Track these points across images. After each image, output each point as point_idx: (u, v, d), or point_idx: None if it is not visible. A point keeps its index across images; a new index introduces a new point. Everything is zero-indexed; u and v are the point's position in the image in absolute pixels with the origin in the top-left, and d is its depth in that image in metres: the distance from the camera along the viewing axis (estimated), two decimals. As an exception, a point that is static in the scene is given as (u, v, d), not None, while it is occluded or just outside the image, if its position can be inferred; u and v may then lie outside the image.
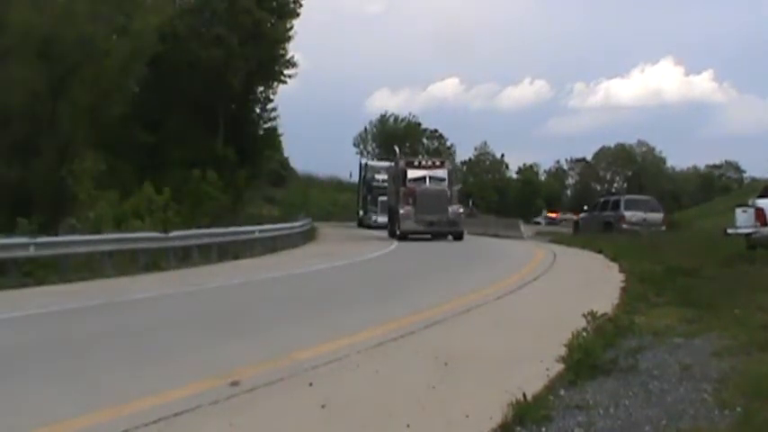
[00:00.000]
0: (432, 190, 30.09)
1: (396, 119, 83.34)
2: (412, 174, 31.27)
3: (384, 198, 38.54)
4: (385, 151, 69.29)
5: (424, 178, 30.83)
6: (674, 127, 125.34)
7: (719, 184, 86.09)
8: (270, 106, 40.65)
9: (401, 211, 29.52)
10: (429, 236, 29.49)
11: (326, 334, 7.51)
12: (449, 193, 30.57)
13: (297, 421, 4.48)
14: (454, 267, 17.04)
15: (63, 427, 4.34)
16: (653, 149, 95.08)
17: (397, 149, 37.67)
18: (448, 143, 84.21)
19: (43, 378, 5.86)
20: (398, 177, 31.70)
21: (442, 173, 31.46)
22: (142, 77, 30.46)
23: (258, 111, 40.50)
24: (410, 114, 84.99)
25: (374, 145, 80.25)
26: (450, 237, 29.50)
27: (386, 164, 42.79)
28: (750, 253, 14.15)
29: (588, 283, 12.46)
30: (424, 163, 32.90)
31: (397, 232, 29.70)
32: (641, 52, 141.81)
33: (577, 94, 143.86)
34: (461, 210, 31.12)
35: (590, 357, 5.40)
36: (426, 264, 18.56)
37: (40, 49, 23.40)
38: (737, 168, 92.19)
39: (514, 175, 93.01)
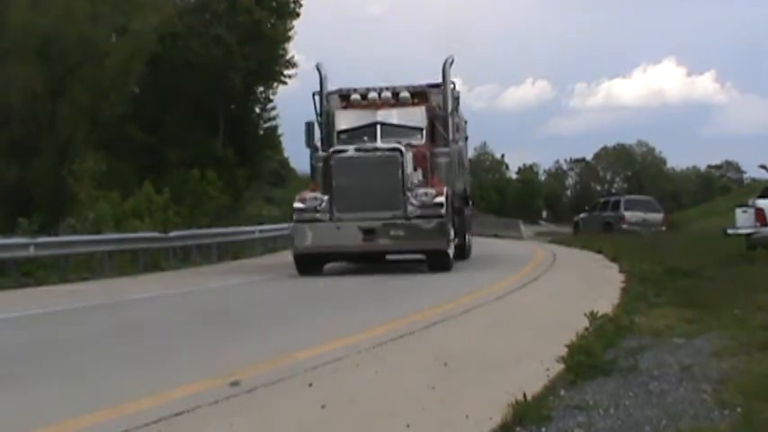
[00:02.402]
0: (369, 155, 14.87)
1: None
2: (347, 119, 16.29)
3: None
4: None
5: (372, 127, 15.78)
6: (676, 127, 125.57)
7: (719, 185, 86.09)
8: (270, 106, 40.69)
9: (296, 206, 15.07)
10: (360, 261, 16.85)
11: (326, 334, 7.51)
12: (418, 159, 15.30)
13: (297, 421, 4.48)
14: (453, 267, 17.00)
15: (63, 427, 4.34)
16: (653, 150, 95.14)
17: (318, 69, 17.15)
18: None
19: (43, 378, 5.86)
20: (321, 129, 16.66)
21: (413, 116, 16.07)
22: (142, 77, 30.44)
23: (258, 111, 40.53)
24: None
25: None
26: (421, 261, 15.57)
27: None
28: (750, 253, 14.16)
29: (588, 284, 12.45)
30: (373, 97, 16.47)
31: (291, 252, 15.53)
32: (643, 52, 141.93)
33: (578, 94, 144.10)
34: (441, 199, 14.71)
35: (590, 358, 5.39)
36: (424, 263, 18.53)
37: (39, 49, 23.39)
38: (737, 169, 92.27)
39: (514, 176, 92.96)
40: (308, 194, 15.16)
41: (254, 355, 6.45)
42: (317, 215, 14.76)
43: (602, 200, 35.80)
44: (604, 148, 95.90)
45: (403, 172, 14.65)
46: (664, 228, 28.95)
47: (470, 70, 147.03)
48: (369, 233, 14.55)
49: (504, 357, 6.21)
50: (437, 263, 15.00)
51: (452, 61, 16.62)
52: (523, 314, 9.25)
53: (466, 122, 20.55)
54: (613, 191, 79.09)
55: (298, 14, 38.44)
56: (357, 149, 14.95)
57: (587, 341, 5.96)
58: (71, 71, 24.55)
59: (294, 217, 15.16)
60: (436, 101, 16.70)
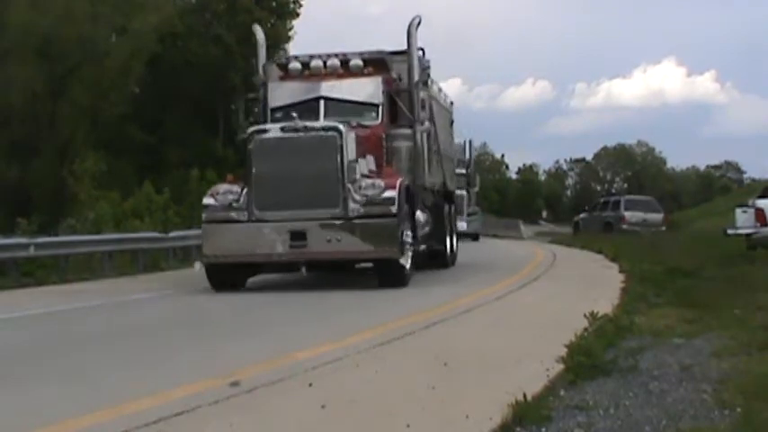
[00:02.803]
0: (300, 137, 11.80)
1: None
2: (284, 94, 13.37)
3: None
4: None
5: (314, 102, 12.95)
6: (676, 127, 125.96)
7: (719, 185, 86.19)
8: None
9: (205, 201, 12.19)
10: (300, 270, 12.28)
11: (326, 334, 7.51)
12: (369, 142, 12.57)
13: (297, 421, 4.48)
14: (453, 267, 17.01)
15: (63, 427, 4.33)
16: (653, 150, 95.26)
17: (257, 31, 14.81)
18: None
19: (43, 378, 5.86)
20: (257, 106, 14.15)
21: (365, 89, 13.09)
22: (142, 77, 30.47)
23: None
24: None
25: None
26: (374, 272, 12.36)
27: None
28: (750, 253, 14.18)
29: (588, 284, 12.45)
30: (317, 66, 13.41)
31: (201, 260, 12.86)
32: (643, 52, 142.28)
33: (578, 94, 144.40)
34: (391, 193, 11.64)
35: (590, 358, 5.39)
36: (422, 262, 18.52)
37: (39, 49, 23.42)
38: (737, 169, 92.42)
39: (514, 176, 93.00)
40: (222, 187, 12.18)
41: (254, 355, 6.45)
42: (232, 214, 11.79)
43: (602, 200, 35.86)
44: (604, 148, 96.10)
45: (342, 158, 11.56)
46: (664, 228, 28.98)
47: (470, 70, 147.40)
48: (298, 237, 11.52)
49: (504, 357, 6.21)
50: (386, 276, 11.90)
51: (419, 22, 13.40)
52: (523, 314, 9.24)
53: (452, 103, 18.09)
54: (613, 191, 79.16)
55: (298, 14, 38.51)
56: (283, 129, 11.87)
57: (587, 341, 5.96)
58: (71, 71, 24.57)
59: (203, 216, 12.14)
60: (399, 71, 13.60)
